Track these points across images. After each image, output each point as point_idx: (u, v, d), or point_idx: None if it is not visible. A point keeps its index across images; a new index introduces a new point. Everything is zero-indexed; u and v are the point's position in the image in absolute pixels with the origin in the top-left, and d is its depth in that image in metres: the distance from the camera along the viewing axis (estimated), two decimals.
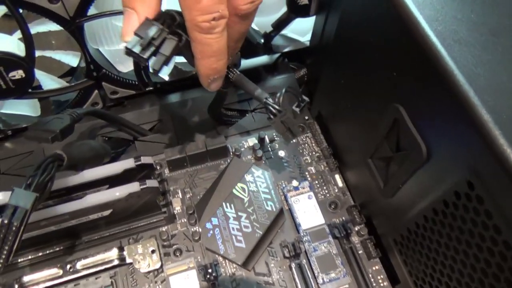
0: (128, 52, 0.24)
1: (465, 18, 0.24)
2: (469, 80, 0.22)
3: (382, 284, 0.36)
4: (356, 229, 0.38)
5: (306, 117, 0.45)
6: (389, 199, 0.32)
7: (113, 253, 0.35)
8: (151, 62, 0.24)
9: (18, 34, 0.37)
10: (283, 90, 0.31)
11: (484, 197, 0.22)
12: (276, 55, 0.49)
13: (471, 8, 0.25)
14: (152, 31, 0.24)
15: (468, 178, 0.23)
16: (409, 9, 0.25)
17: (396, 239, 0.33)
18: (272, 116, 0.31)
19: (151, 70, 0.25)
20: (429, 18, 0.24)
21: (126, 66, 0.43)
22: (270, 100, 0.30)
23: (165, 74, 0.24)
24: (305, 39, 0.48)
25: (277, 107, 0.30)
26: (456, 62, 0.22)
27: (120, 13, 0.36)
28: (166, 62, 0.25)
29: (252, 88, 0.31)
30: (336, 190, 0.41)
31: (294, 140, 0.43)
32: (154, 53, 0.24)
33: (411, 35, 0.24)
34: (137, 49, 0.24)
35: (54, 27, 0.37)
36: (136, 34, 0.24)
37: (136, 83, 0.44)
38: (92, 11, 0.35)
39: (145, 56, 0.24)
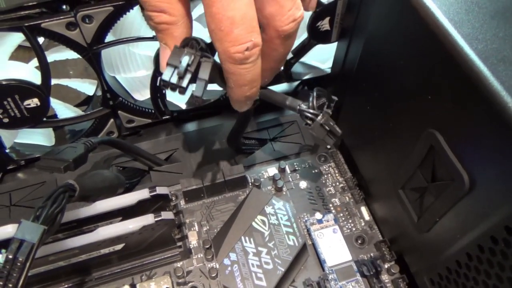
0: (165, 84, 0.23)
1: (508, 36, 0.22)
2: None
3: None
4: (386, 266, 0.35)
5: (328, 147, 0.43)
6: (424, 234, 0.30)
7: None
8: (193, 90, 0.24)
9: (34, 62, 0.36)
10: (314, 93, 0.30)
11: None
12: (296, 83, 0.48)
13: None
14: (186, 58, 0.23)
15: None
16: (446, 28, 0.23)
17: (433, 279, 0.30)
18: (310, 122, 0.29)
19: (194, 95, 0.24)
20: (468, 36, 0.22)
21: (142, 94, 0.42)
22: (304, 106, 0.29)
23: (200, 94, 0.24)
24: (326, 66, 0.47)
25: (313, 111, 0.29)
26: (502, 83, 0.20)
27: (137, 40, 0.36)
28: (206, 86, 0.24)
29: (281, 98, 0.30)
30: (363, 224, 0.38)
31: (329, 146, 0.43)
32: (192, 80, 0.23)
33: (449, 55, 0.23)
34: (174, 79, 0.23)
35: (71, 55, 0.37)
36: (169, 64, 0.23)
37: (153, 111, 0.43)
38: (109, 38, 0.34)
39: (184, 84, 0.23)
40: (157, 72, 0.38)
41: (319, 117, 0.29)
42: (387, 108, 0.32)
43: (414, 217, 0.30)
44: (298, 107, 0.29)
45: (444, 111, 0.25)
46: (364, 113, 0.36)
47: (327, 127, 0.29)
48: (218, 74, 0.26)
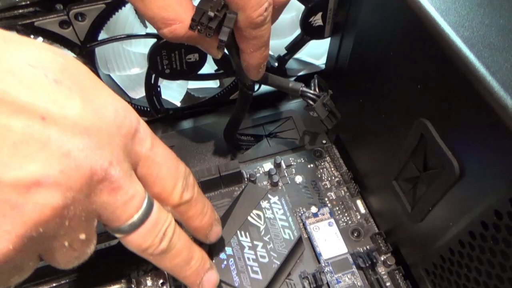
0: (194, 25, 0.24)
1: (494, 23, 0.23)
2: (505, 86, 0.20)
3: None
4: (382, 258, 0.35)
5: (324, 141, 0.43)
6: (418, 224, 0.30)
7: (121, 285, 0.33)
8: (219, 36, 0.25)
9: None
10: (315, 78, 0.33)
11: None
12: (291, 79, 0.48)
13: (499, 13, 0.23)
14: (216, 4, 0.24)
15: (511, 196, 0.20)
16: (432, 16, 0.23)
17: (428, 269, 0.30)
18: (312, 102, 0.32)
19: (219, 39, 0.25)
20: (455, 24, 0.23)
21: (138, 92, 0.42)
22: (306, 88, 0.32)
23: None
24: (320, 62, 0.47)
25: (315, 92, 0.32)
26: (488, 68, 0.21)
27: (130, 37, 0.36)
28: (230, 34, 0.25)
29: (284, 82, 0.32)
30: (359, 217, 0.38)
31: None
32: (219, 26, 0.25)
33: (436, 43, 0.23)
34: (205, 20, 0.24)
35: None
36: (199, 8, 0.24)
37: (148, 109, 0.43)
38: (103, 35, 0.35)
39: (213, 26, 0.24)
40: (151, 70, 0.38)
41: (322, 97, 0.31)
42: (379, 99, 0.32)
43: (408, 207, 0.30)
44: (300, 88, 0.31)
45: (433, 99, 0.25)
46: (358, 106, 0.36)
47: (328, 107, 0.32)
48: (233, 43, 0.27)
